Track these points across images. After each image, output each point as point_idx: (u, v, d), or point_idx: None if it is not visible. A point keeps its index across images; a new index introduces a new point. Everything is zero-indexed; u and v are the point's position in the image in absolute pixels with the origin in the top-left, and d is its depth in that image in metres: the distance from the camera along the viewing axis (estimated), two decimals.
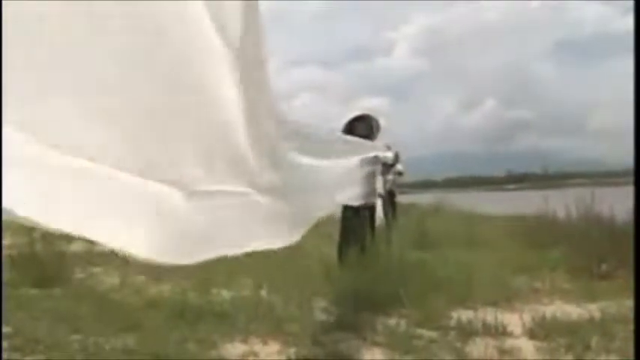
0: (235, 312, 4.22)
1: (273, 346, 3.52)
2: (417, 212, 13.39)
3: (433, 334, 3.71)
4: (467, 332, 3.70)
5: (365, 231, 4.81)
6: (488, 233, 8.47)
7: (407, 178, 10.99)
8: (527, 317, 3.98)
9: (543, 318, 3.91)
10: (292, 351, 3.40)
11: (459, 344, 3.47)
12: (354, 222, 4.84)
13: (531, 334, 3.67)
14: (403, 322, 3.92)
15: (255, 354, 3.38)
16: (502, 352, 3.36)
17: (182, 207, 1.33)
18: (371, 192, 5.08)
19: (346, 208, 5.00)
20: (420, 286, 4.46)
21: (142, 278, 5.86)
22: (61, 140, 1.04)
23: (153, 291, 5.18)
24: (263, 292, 5.04)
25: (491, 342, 3.51)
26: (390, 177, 7.61)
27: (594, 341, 3.39)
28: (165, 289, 5.30)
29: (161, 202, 1.28)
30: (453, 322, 3.90)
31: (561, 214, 7.33)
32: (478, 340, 3.56)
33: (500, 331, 3.71)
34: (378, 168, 5.67)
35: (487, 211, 13.08)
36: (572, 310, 4.23)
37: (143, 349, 3.36)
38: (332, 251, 5.66)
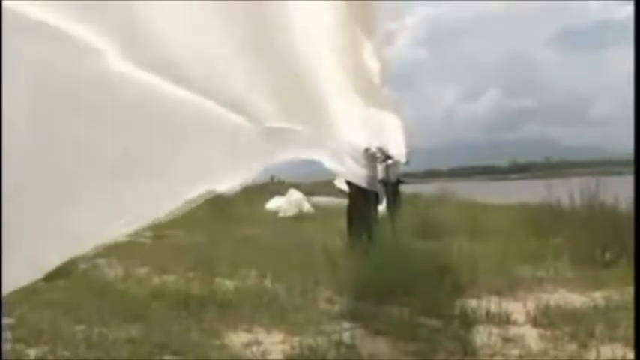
0: (239, 301, 4.23)
1: (277, 336, 3.53)
2: (420, 202, 13.35)
3: (437, 322, 3.71)
4: (471, 321, 3.70)
5: (372, 219, 4.81)
6: (492, 223, 8.43)
7: (410, 169, 10.95)
8: (531, 305, 3.98)
9: (547, 306, 3.91)
10: (296, 340, 3.40)
11: (462, 332, 3.47)
12: (361, 209, 4.84)
13: (535, 322, 3.67)
14: (407, 311, 3.91)
15: (259, 343, 3.38)
16: (506, 340, 3.35)
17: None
18: (374, 177, 5.08)
19: (353, 196, 5.00)
20: (424, 275, 4.46)
21: (145, 269, 5.88)
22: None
23: (156, 281, 5.19)
24: (267, 282, 5.05)
25: (495, 330, 3.50)
26: (389, 162, 7.54)
27: (598, 329, 3.38)
28: (169, 279, 5.31)
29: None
30: (456, 311, 3.90)
31: (565, 203, 7.29)
32: (482, 328, 3.56)
33: (504, 320, 3.70)
34: (380, 156, 5.66)
35: (491, 200, 13.02)
36: (575, 299, 4.23)
37: (147, 339, 3.38)
38: (336, 241, 5.65)
